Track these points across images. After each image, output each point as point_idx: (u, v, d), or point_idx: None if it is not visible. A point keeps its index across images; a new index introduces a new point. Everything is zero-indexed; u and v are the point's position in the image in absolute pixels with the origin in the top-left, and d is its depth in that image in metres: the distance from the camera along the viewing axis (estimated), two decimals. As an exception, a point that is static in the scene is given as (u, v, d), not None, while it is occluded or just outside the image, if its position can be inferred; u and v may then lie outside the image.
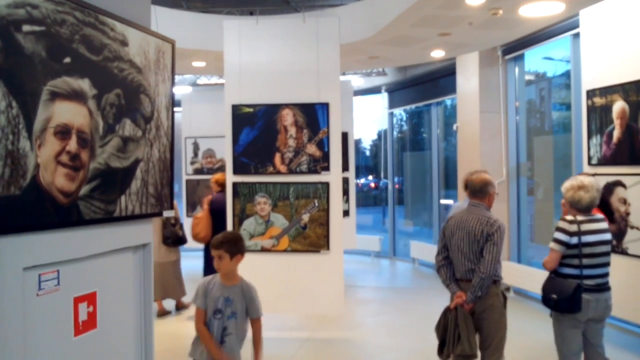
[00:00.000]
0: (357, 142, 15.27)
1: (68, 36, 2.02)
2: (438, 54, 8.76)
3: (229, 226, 6.49)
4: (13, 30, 1.78)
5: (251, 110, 6.47)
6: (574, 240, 4.10)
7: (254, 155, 6.44)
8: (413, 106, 12.75)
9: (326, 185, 6.35)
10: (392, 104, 13.09)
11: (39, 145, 1.88)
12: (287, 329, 7.33)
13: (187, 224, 8.65)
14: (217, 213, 6.83)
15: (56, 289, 2.00)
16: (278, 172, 6.41)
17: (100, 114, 2.18)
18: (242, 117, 6.46)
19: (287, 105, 6.41)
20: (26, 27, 1.83)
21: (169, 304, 8.07)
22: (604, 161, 6.10)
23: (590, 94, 6.25)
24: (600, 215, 4.34)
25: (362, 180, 17.19)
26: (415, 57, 9.22)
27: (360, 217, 12.73)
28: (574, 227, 4.12)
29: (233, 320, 3.75)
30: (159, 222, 7.65)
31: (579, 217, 4.17)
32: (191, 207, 11.47)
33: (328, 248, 6.36)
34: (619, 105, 5.85)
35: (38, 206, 1.89)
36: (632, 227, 5.76)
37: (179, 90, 11.89)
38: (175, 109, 2.84)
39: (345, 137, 9.25)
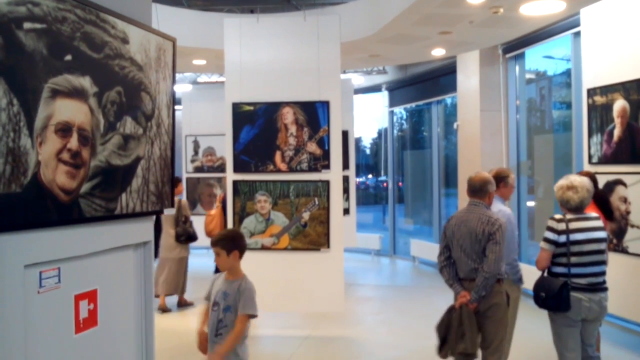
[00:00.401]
0: (358, 141, 15.26)
1: (69, 34, 2.02)
2: (439, 52, 8.75)
3: (230, 224, 6.50)
4: (14, 28, 1.78)
5: (252, 108, 6.47)
6: (562, 238, 4.10)
7: (254, 153, 6.44)
8: (413, 104, 12.75)
9: (326, 183, 6.36)
10: (393, 103, 13.08)
11: (40, 143, 1.88)
12: (287, 326, 7.34)
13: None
14: None
15: (57, 287, 2.00)
16: (278, 171, 6.41)
17: (101, 112, 2.18)
18: (242, 115, 6.46)
19: (287, 104, 6.41)
20: (27, 25, 1.83)
21: (171, 301, 8.08)
22: (604, 160, 6.10)
23: (591, 92, 6.25)
24: (593, 214, 4.32)
25: (361, 179, 17.18)
26: (416, 55, 9.21)
27: (360, 216, 12.74)
28: (562, 226, 4.12)
29: (229, 314, 3.74)
30: (172, 219, 7.79)
31: (568, 216, 4.17)
32: (191, 204, 11.46)
33: (328, 246, 6.37)
34: (619, 104, 5.85)
35: (39, 204, 1.89)
36: (632, 226, 5.76)
37: (180, 89, 11.89)
38: (176, 107, 2.84)
39: (345, 135, 9.24)
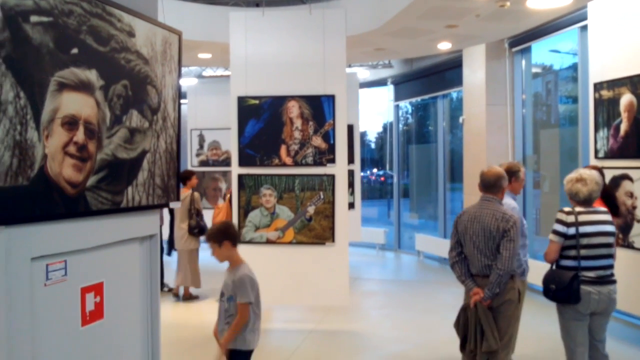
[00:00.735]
0: (363, 135, 15.23)
1: (75, 27, 2.02)
2: (445, 46, 8.72)
3: (235, 218, 6.51)
4: (21, 21, 1.79)
5: (257, 102, 6.47)
6: (572, 231, 4.09)
7: (259, 147, 6.44)
8: (419, 99, 12.71)
9: (332, 177, 6.35)
10: (398, 97, 13.05)
11: (47, 136, 1.89)
12: (292, 320, 7.36)
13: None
14: None
15: (63, 279, 2.01)
16: (283, 164, 6.41)
17: (107, 105, 2.19)
18: (247, 109, 6.46)
19: (293, 97, 6.40)
20: (34, 18, 1.83)
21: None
22: (610, 154, 6.07)
23: (598, 86, 6.22)
24: (602, 208, 4.33)
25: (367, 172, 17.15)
26: (422, 49, 9.19)
27: (365, 210, 12.73)
28: (571, 218, 4.12)
29: (232, 303, 3.80)
30: (184, 212, 7.95)
31: (577, 209, 4.17)
32: (197, 198, 11.46)
33: (333, 240, 6.37)
34: (626, 98, 5.82)
35: (46, 197, 1.90)
36: (638, 221, 5.74)
37: (185, 82, 11.88)
38: (181, 101, 2.84)
39: (350, 129, 9.23)
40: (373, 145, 18.22)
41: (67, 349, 2.04)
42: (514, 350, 4.75)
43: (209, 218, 8.29)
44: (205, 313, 7.36)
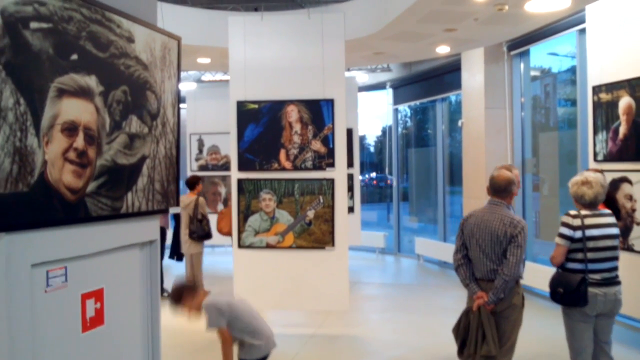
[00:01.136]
0: (362, 139, 15.25)
1: (75, 33, 2.02)
2: (443, 49, 8.73)
3: (234, 223, 6.51)
4: (21, 28, 1.79)
5: (256, 106, 6.47)
6: (578, 234, 4.11)
7: (258, 151, 6.44)
8: (418, 102, 12.73)
9: (331, 181, 6.36)
10: (397, 100, 13.06)
11: (47, 142, 1.88)
12: (292, 325, 7.34)
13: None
14: None
15: (64, 286, 2.01)
16: (283, 169, 6.41)
17: (107, 111, 2.19)
18: (247, 114, 6.47)
19: (292, 102, 6.41)
20: (34, 24, 1.84)
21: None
22: (609, 157, 6.08)
23: (596, 89, 6.23)
24: (607, 211, 4.34)
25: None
26: (421, 53, 9.20)
27: (364, 214, 12.73)
28: (577, 222, 4.13)
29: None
30: (187, 217, 8.05)
31: (583, 212, 4.18)
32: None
33: (333, 244, 6.37)
34: (625, 101, 5.83)
35: (46, 203, 1.90)
36: (638, 224, 5.74)
37: (184, 87, 11.89)
38: (180, 105, 2.84)
39: (350, 133, 9.24)
40: (372, 149, 18.23)
41: (68, 355, 2.04)
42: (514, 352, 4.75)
43: (213, 224, 8.39)
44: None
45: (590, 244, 4.10)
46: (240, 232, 6.46)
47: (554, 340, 5.90)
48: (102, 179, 2.16)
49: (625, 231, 5.81)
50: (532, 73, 9.32)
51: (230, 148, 6.68)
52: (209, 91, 12.12)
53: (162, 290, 8.45)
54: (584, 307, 4.08)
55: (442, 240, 11.36)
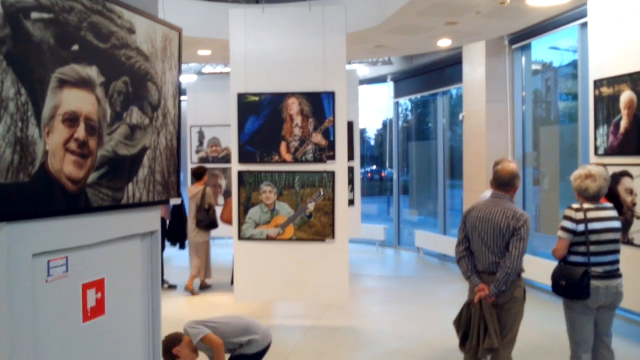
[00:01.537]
0: (362, 132, 15.23)
1: (76, 23, 2.02)
2: (445, 43, 8.72)
3: (235, 215, 6.52)
4: (22, 18, 1.78)
5: (257, 99, 6.47)
6: (581, 227, 4.13)
7: (259, 144, 6.45)
8: (419, 95, 12.71)
9: (331, 174, 6.36)
10: (398, 93, 13.05)
11: (48, 133, 1.89)
12: (292, 316, 7.37)
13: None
14: None
15: (65, 276, 2.02)
16: (283, 161, 6.41)
17: (108, 102, 2.19)
18: (247, 106, 6.46)
19: (292, 94, 6.40)
20: (34, 15, 1.83)
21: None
22: (610, 151, 6.07)
23: (598, 83, 6.22)
24: (608, 204, 4.36)
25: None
26: (422, 46, 9.18)
27: (364, 207, 12.74)
28: (580, 215, 4.15)
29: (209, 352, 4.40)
30: (195, 206, 8.32)
31: (586, 205, 4.20)
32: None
33: (333, 237, 6.38)
34: (626, 95, 5.82)
35: (47, 193, 1.90)
36: (638, 218, 5.75)
37: (184, 79, 11.88)
38: (181, 97, 2.84)
39: (350, 126, 9.24)
40: (373, 142, 18.22)
41: (69, 344, 2.05)
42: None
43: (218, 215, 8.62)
44: (205, 308, 7.36)
45: (593, 237, 4.12)
46: (240, 224, 6.47)
47: (555, 332, 5.93)
48: (103, 169, 2.17)
49: (626, 225, 5.81)
50: (534, 67, 9.31)
51: (230, 140, 6.68)
52: (209, 83, 12.10)
53: (163, 281, 8.51)
54: (586, 299, 4.10)
55: (442, 233, 11.38)
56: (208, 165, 12.07)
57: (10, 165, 1.75)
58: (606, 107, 6.11)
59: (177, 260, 10.38)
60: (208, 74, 12.41)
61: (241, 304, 7.24)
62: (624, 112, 5.86)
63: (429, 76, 11.88)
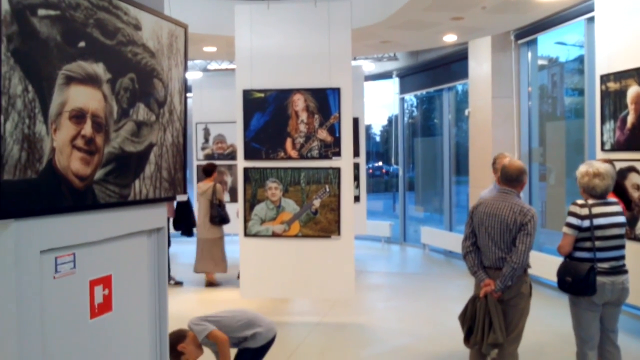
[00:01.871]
0: (368, 128, 15.21)
1: (82, 20, 2.02)
2: (450, 38, 8.69)
3: (240, 211, 6.53)
4: (29, 15, 1.79)
5: (262, 95, 6.46)
6: (586, 223, 4.11)
7: (265, 140, 6.44)
8: (424, 91, 12.68)
9: (337, 170, 6.36)
10: (403, 89, 13.02)
11: (55, 130, 1.89)
12: (297, 313, 7.38)
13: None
14: None
15: (72, 272, 2.02)
16: (289, 158, 6.41)
17: (114, 99, 2.19)
18: (253, 103, 6.46)
19: (298, 91, 6.40)
20: (41, 11, 1.84)
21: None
22: (617, 147, 6.05)
23: (604, 78, 6.19)
24: (613, 199, 4.34)
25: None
26: (428, 41, 9.16)
27: (370, 203, 12.74)
28: (585, 211, 4.13)
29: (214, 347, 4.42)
30: (206, 202, 8.52)
31: (590, 201, 4.18)
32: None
33: (339, 233, 6.38)
34: (633, 90, 5.79)
35: (54, 190, 1.91)
36: (645, 213, 5.72)
37: (190, 76, 11.88)
38: (187, 94, 2.84)
39: (356, 122, 9.22)
40: (378, 139, 18.20)
41: (76, 341, 2.06)
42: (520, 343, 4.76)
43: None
44: (211, 305, 7.38)
45: (598, 233, 4.11)
46: (246, 220, 6.48)
47: (561, 329, 5.91)
48: (110, 166, 2.17)
49: (633, 221, 5.79)
50: (540, 62, 9.27)
51: (236, 137, 6.68)
52: (215, 80, 12.10)
53: (169, 277, 8.53)
54: (592, 296, 4.09)
55: (448, 230, 11.36)
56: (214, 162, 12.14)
57: (18, 162, 1.75)
58: (613, 102, 6.08)
59: (184, 257, 10.40)
60: (214, 71, 12.41)
61: (247, 300, 7.25)
62: (630, 107, 5.83)
63: (435, 72, 11.85)
